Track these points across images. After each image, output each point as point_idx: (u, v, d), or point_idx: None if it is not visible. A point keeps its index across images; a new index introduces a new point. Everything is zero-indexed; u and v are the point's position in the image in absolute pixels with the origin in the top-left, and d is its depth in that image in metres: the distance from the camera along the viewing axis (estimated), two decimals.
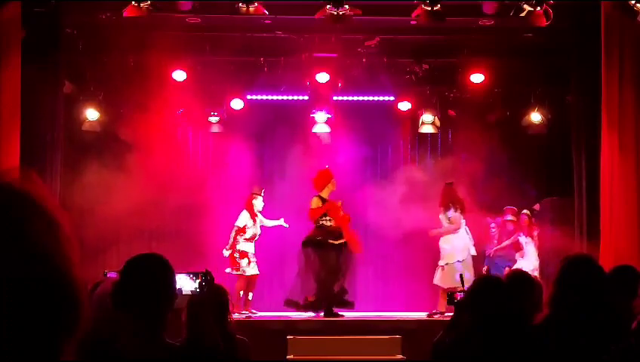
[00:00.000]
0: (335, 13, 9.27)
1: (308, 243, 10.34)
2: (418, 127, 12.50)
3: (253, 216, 11.00)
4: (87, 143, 11.65)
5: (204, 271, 4.03)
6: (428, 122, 12.41)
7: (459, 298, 4.77)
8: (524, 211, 11.32)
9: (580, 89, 10.89)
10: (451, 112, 12.52)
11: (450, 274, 10.32)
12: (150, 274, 2.80)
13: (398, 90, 12.28)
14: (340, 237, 10.34)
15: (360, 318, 10.17)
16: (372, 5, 9.95)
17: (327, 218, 10.44)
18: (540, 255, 11.03)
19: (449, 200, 10.73)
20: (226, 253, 10.90)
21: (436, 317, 10.05)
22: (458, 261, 10.41)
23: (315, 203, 10.49)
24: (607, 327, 3.33)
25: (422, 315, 10.46)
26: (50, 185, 9.81)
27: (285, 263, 11.55)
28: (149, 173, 11.04)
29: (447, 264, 10.49)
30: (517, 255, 11.10)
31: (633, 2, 9.36)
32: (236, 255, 10.85)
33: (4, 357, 0.98)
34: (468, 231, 10.73)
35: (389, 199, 11.24)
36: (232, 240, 10.89)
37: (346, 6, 9.27)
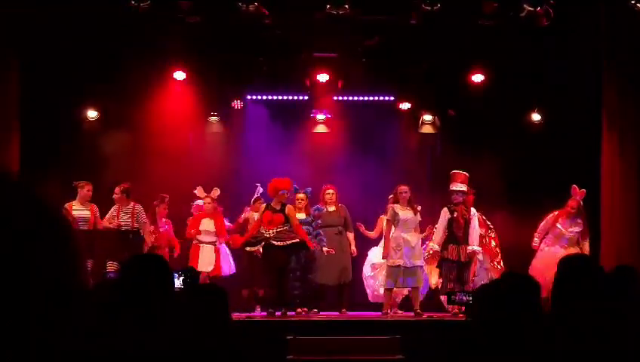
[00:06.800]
0: (335, 13, 9.27)
1: None
2: (418, 127, 12.50)
3: None
4: (87, 143, 11.64)
5: (187, 268, 4.06)
6: (428, 122, 12.40)
7: (459, 298, 4.74)
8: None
9: (580, 89, 10.89)
10: (451, 112, 12.51)
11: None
12: (148, 273, 2.80)
13: (398, 90, 12.28)
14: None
15: (360, 318, 10.17)
16: (372, 5, 9.94)
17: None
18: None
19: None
20: None
21: None
22: None
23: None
24: (607, 328, 3.32)
25: (422, 315, 10.44)
26: (50, 185, 9.81)
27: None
28: (149, 173, 11.04)
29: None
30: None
31: (633, 2, 9.37)
32: None
33: (4, 352, 0.99)
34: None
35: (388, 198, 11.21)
36: None
37: (346, 6, 9.27)
